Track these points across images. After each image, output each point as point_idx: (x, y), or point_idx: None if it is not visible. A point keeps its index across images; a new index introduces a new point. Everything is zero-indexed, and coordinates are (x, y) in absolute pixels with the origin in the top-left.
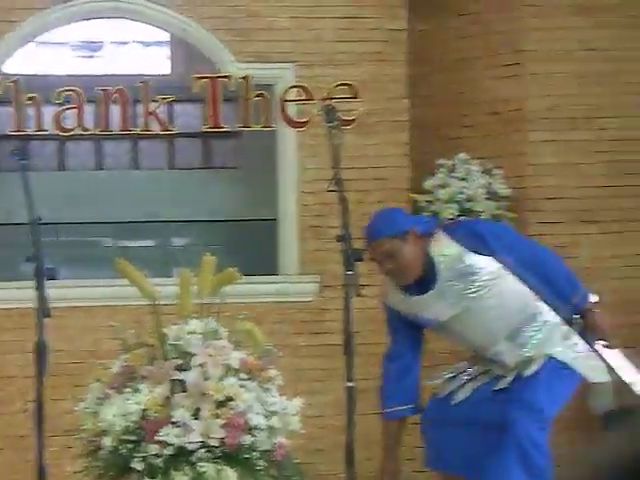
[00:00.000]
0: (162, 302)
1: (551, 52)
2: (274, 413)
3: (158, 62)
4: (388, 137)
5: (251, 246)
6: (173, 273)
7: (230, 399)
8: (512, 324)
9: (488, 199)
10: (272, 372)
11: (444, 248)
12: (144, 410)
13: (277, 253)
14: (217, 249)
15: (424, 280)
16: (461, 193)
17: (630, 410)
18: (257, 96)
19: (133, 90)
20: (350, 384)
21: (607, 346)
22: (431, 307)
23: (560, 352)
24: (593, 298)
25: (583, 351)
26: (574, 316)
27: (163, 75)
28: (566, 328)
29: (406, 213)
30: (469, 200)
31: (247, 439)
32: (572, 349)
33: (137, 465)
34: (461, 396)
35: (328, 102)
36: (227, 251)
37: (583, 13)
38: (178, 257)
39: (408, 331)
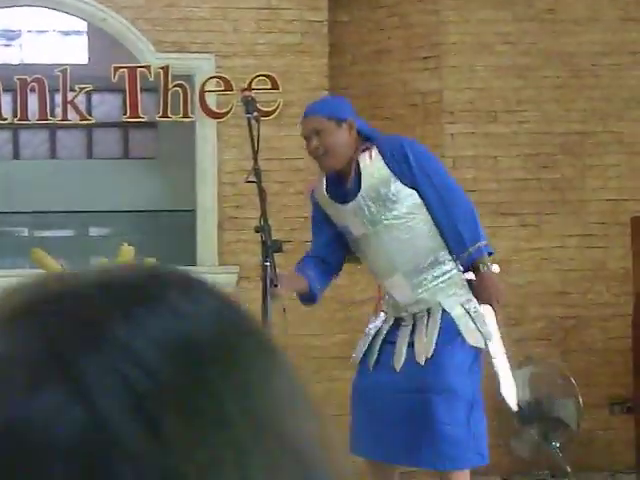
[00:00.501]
0: None
1: (470, 45)
2: None
3: (77, 51)
4: None
5: (170, 237)
6: (90, 263)
7: None
8: (414, 263)
9: None
10: None
11: (375, 170)
12: None
13: (195, 244)
14: (135, 239)
15: (347, 190)
16: None
17: None
18: (176, 86)
19: (51, 79)
20: None
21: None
22: (347, 219)
23: (452, 305)
24: (495, 267)
25: (475, 309)
26: (467, 273)
27: (82, 64)
28: (464, 282)
29: (352, 109)
30: None
31: None
32: (465, 305)
33: None
34: (371, 360)
35: (247, 93)
36: (145, 242)
37: (502, 6)
38: (96, 247)
39: (332, 236)
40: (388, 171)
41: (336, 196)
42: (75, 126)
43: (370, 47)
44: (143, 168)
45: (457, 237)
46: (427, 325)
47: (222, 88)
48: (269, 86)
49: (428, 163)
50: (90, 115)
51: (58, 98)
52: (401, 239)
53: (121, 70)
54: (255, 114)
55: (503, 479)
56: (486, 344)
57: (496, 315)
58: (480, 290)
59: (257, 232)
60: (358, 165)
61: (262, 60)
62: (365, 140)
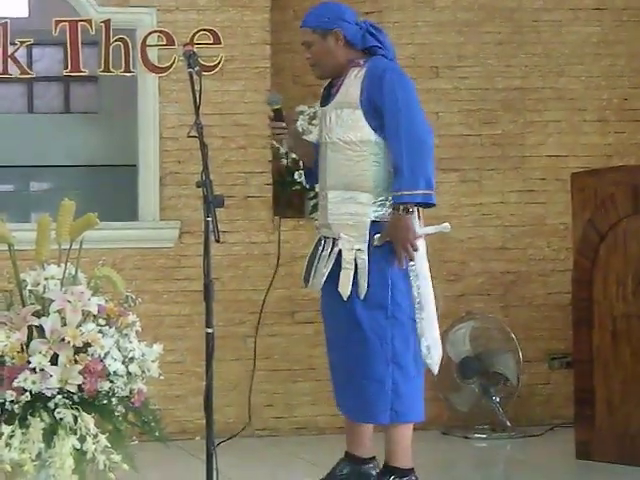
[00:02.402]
0: (20, 247)
1: (411, 1)
2: (133, 359)
3: (17, 5)
4: (249, 83)
5: (111, 192)
6: (31, 218)
7: (88, 345)
8: (339, 191)
9: None
10: (131, 318)
11: (352, 89)
12: (1, 356)
13: (137, 199)
14: (76, 194)
15: (331, 96)
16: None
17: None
18: (117, 41)
19: None
20: (209, 330)
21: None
22: (320, 122)
23: (347, 247)
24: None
25: (362, 264)
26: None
27: (22, 18)
28: (364, 235)
29: (349, 14)
30: None
31: (105, 385)
32: (358, 255)
33: None
34: (316, 282)
35: (189, 48)
36: (87, 196)
37: None
38: (37, 202)
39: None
40: (358, 95)
41: (324, 99)
42: (16, 80)
43: (312, 2)
44: (84, 123)
45: (399, 170)
46: (328, 256)
47: (164, 43)
48: (211, 41)
49: (402, 92)
50: (31, 69)
51: None
52: (339, 162)
53: (62, 24)
54: (197, 69)
55: (443, 433)
56: (351, 297)
57: (403, 263)
58: (391, 230)
59: (199, 187)
60: (346, 75)
61: (204, 15)
62: (366, 52)
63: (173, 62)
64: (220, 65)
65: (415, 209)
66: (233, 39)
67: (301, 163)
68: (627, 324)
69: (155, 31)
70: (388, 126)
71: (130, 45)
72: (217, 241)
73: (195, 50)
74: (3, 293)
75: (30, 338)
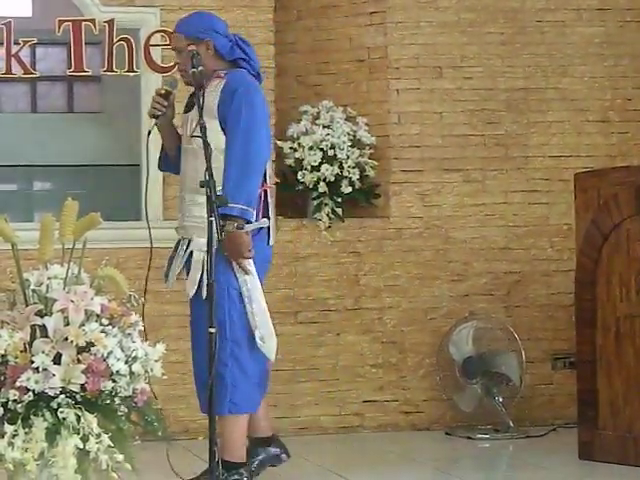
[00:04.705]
0: (23, 247)
1: (415, 1)
2: (136, 359)
3: (21, 4)
4: None
5: (114, 191)
6: (35, 218)
7: (91, 344)
8: (192, 194)
9: (352, 146)
10: (134, 318)
11: (211, 98)
12: (4, 356)
13: (140, 199)
14: (80, 194)
15: (192, 102)
16: (325, 140)
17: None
18: (121, 40)
19: None
20: (212, 330)
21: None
22: (182, 128)
23: (199, 246)
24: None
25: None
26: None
27: (26, 17)
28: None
29: (221, 25)
30: (333, 147)
31: (108, 385)
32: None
33: None
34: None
35: (193, 47)
36: (90, 196)
37: None
38: (40, 202)
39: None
40: (216, 106)
41: (187, 106)
42: (19, 80)
43: (316, 2)
44: (88, 122)
45: (226, 180)
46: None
47: (167, 42)
48: None
49: (247, 109)
50: (34, 69)
51: (2, 51)
52: (195, 168)
53: (66, 23)
54: (200, 68)
55: (446, 433)
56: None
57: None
58: (227, 244)
59: (202, 187)
60: (207, 85)
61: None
62: (230, 65)
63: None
64: None
65: (244, 225)
66: None
67: (162, 146)
68: (630, 324)
69: (159, 31)
70: (227, 139)
71: (134, 45)
72: (219, 241)
73: (198, 50)
74: (6, 292)
75: (33, 337)
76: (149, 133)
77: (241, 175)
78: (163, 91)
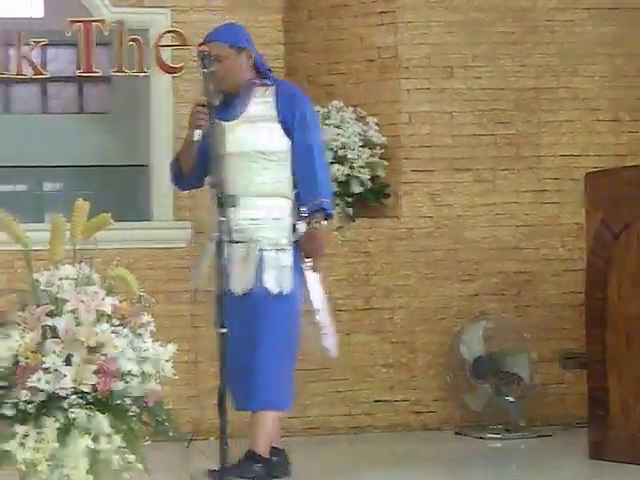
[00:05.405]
0: (34, 248)
1: (425, 1)
2: (146, 359)
3: (32, 5)
4: None
5: (125, 192)
6: (45, 218)
7: (102, 345)
8: (258, 193)
9: (362, 146)
10: (145, 318)
11: (264, 105)
12: (15, 356)
13: (150, 199)
14: (90, 195)
15: (232, 111)
16: (335, 140)
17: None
18: (131, 41)
19: (6, 33)
20: (222, 330)
21: (311, 267)
22: (225, 135)
23: (268, 253)
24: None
25: (287, 264)
26: (298, 222)
27: (36, 18)
28: (287, 236)
29: (251, 38)
30: (343, 147)
31: (119, 385)
32: (280, 257)
33: (7, 411)
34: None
35: (203, 48)
36: (100, 197)
37: None
38: (50, 203)
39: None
40: (275, 112)
41: (220, 115)
42: (30, 80)
43: (326, 2)
44: (98, 123)
45: (312, 184)
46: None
47: (177, 43)
48: None
49: (311, 117)
50: (45, 69)
51: (12, 52)
52: (253, 171)
53: (76, 24)
54: (211, 69)
55: (456, 433)
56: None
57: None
58: (305, 244)
59: (212, 187)
60: (251, 93)
61: (218, 15)
62: (263, 77)
63: (187, 62)
64: None
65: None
66: None
67: (179, 164)
68: None
69: (169, 31)
70: (297, 147)
71: (144, 45)
72: (230, 242)
73: (209, 50)
74: (17, 293)
75: (44, 338)
76: (194, 142)
77: (324, 171)
78: (204, 101)
